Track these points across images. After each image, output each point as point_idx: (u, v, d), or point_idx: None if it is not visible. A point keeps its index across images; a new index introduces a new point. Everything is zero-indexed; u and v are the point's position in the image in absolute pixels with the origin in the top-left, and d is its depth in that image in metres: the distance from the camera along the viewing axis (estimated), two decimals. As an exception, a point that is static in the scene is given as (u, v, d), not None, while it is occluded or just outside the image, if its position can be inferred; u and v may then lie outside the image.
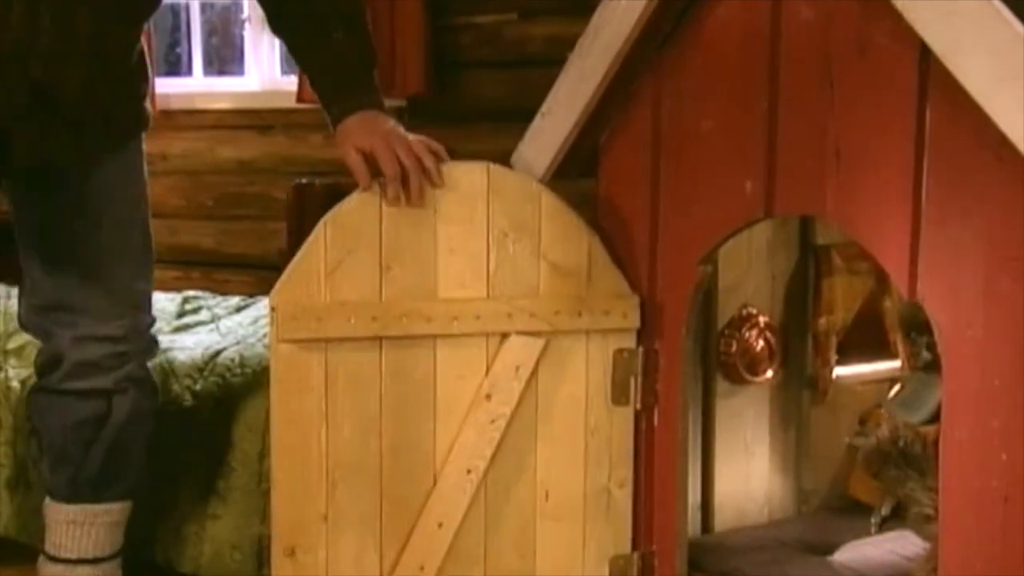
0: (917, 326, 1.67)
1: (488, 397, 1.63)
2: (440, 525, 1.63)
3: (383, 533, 1.61)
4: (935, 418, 1.63)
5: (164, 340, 2.15)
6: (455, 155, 3.10)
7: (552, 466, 1.68)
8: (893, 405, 1.74)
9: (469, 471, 1.63)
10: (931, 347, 1.60)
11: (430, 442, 1.63)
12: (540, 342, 1.65)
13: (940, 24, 1.29)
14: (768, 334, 1.92)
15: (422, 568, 1.63)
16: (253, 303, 2.88)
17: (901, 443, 1.69)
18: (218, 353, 2.28)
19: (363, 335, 1.58)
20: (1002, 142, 1.27)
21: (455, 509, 1.63)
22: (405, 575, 1.62)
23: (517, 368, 1.64)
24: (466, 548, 1.65)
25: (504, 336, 1.64)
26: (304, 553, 1.58)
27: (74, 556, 1.91)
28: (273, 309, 1.56)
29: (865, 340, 2.01)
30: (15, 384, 2.36)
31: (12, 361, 2.42)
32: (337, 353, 1.57)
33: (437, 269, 1.62)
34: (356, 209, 1.62)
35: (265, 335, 2.41)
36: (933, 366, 1.62)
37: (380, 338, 1.59)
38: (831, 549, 1.77)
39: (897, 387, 1.77)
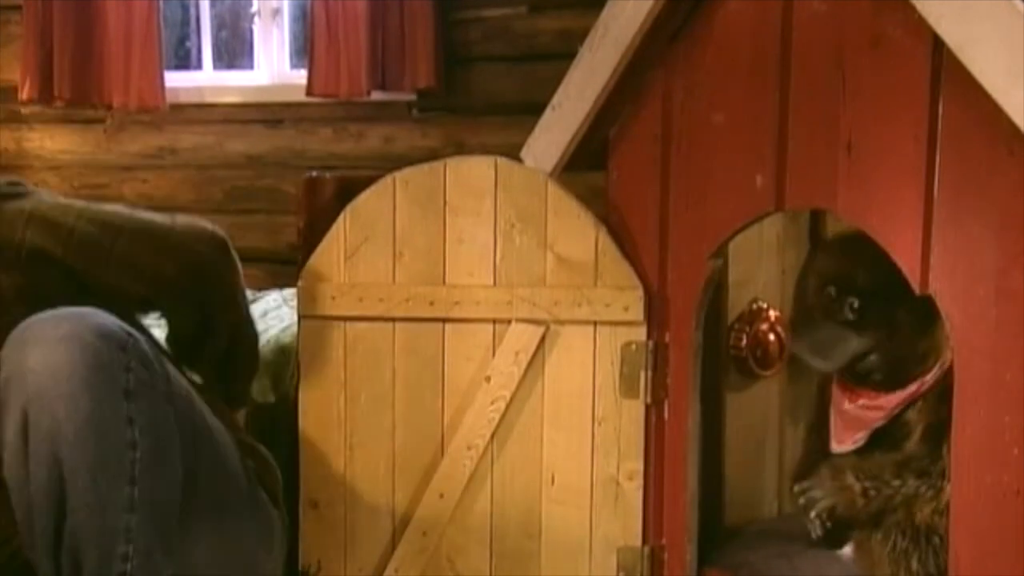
0: (841, 282, 1.61)
1: (488, 379, 1.72)
2: (441, 496, 1.73)
3: (395, 496, 1.74)
4: (845, 369, 1.61)
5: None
6: (464, 148, 3.09)
7: (558, 452, 1.72)
8: (803, 349, 1.64)
9: (469, 448, 1.72)
10: (857, 310, 1.58)
11: (438, 418, 1.73)
12: (539, 330, 1.70)
13: (954, 17, 1.29)
14: (779, 328, 1.92)
15: (424, 534, 1.74)
16: (262, 297, 2.89)
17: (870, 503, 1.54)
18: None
19: (376, 315, 1.72)
20: (1015, 136, 1.26)
21: (456, 483, 1.73)
22: (410, 539, 1.74)
23: (516, 353, 1.70)
24: (472, 521, 1.73)
25: (507, 323, 1.71)
26: (325, 506, 1.75)
27: None
28: (299, 289, 1.74)
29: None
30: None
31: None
32: (354, 330, 1.73)
33: (446, 257, 1.71)
34: (373, 200, 1.75)
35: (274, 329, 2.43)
36: (853, 325, 1.59)
37: (392, 319, 1.72)
38: (841, 544, 1.77)
39: (800, 328, 1.66)
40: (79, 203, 1.54)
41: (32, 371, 1.15)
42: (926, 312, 1.47)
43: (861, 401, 1.66)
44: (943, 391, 1.54)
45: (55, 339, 1.17)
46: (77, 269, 1.46)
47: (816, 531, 1.66)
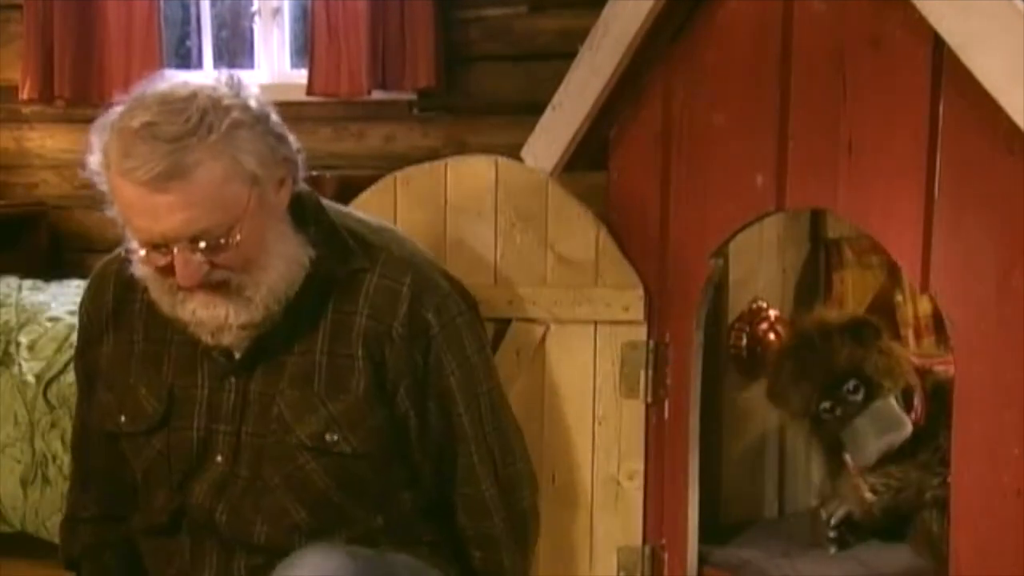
0: (824, 393, 1.66)
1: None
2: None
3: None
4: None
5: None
6: (465, 148, 3.07)
7: (558, 451, 1.71)
8: (878, 446, 1.65)
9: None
10: (856, 387, 1.64)
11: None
12: (539, 329, 1.70)
13: (955, 16, 1.29)
14: (779, 327, 1.91)
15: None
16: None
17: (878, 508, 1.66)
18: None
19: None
20: (1015, 135, 1.26)
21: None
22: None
23: (517, 352, 1.70)
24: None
25: (507, 322, 1.70)
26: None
27: None
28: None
29: (876, 334, 2.00)
30: (30, 378, 2.36)
31: (25, 354, 2.42)
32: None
33: (446, 257, 1.68)
34: (374, 199, 1.72)
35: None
36: (870, 397, 1.64)
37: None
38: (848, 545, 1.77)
39: (852, 446, 1.69)
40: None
41: None
42: (876, 332, 1.65)
43: None
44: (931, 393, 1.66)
45: None
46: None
47: (832, 547, 1.71)
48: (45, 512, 2.28)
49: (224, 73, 1.23)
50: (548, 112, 1.73)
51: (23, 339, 2.46)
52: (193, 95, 1.17)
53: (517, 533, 1.39)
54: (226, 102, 1.18)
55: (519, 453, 1.41)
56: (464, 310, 1.34)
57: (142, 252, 1.20)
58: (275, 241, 1.23)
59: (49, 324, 2.51)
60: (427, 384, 1.30)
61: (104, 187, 1.19)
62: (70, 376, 2.33)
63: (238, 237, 1.17)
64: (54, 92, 3.63)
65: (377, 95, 3.37)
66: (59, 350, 2.41)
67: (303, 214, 1.28)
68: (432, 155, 2.63)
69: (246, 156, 1.18)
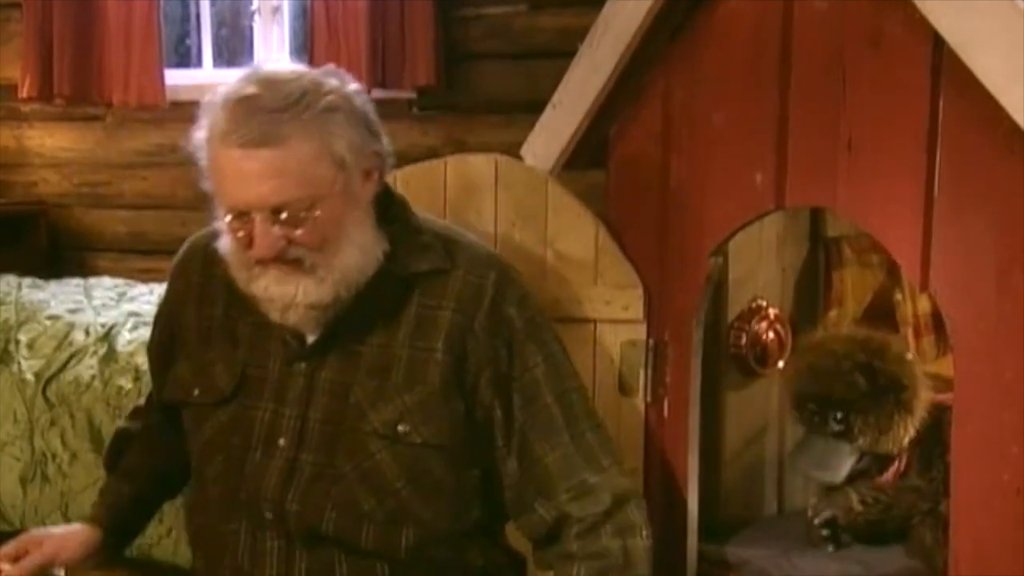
0: (815, 399, 1.72)
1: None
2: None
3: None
4: (849, 480, 1.73)
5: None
6: (465, 146, 3.06)
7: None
8: (808, 467, 1.76)
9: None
10: (841, 420, 1.70)
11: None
12: None
13: (954, 15, 1.29)
14: (778, 326, 1.92)
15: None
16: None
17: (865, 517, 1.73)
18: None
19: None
20: (1015, 134, 1.27)
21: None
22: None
23: None
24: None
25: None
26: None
27: None
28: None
29: (876, 333, 2.00)
30: (29, 377, 2.36)
31: (24, 352, 2.43)
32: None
33: None
34: None
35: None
36: (843, 435, 1.71)
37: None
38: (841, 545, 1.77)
39: (797, 446, 1.80)
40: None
41: None
42: (897, 400, 1.66)
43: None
44: (928, 427, 1.70)
45: None
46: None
47: (829, 546, 1.75)
48: (44, 510, 2.28)
49: (333, 68, 1.31)
50: (548, 110, 1.73)
51: (22, 337, 2.46)
52: (298, 76, 1.26)
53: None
54: (327, 88, 1.25)
55: (625, 465, 1.38)
56: (542, 309, 1.39)
57: (226, 219, 1.26)
58: (353, 229, 1.27)
59: (48, 322, 2.51)
60: (511, 377, 1.32)
61: (203, 162, 1.28)
62: (69, 374, 2.33)
63: (318, 213, 1.23)
64: (53, 90, 3.63)
65: (376, 93, 3.36)
66: (58, 348, 2.41)
67: (388, 213, 1.33)
68: (432, 153, 2.63)
69: (337, 140, 1.24)
